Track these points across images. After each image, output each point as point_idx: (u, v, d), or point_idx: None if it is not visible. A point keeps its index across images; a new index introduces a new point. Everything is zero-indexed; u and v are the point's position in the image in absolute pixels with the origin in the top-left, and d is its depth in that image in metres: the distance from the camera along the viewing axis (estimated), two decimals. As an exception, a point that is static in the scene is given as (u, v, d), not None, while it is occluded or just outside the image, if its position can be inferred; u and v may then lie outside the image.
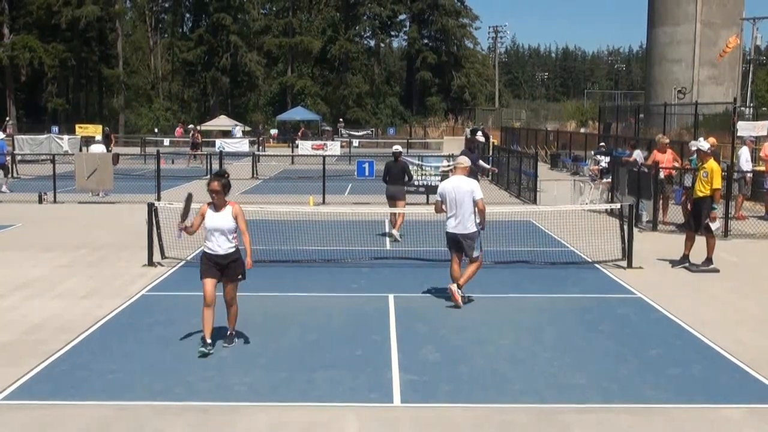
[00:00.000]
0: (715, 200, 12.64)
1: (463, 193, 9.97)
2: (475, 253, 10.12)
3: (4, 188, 23.51)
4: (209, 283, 8.06)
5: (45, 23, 63.94)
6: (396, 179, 15.35)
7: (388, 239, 15.43)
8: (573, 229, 15.51)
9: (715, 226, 12.80)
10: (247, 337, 8.63)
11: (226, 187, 8.17)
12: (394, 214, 15.30)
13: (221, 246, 8.10)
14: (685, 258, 12.79)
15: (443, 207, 10.26)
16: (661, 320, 9.62)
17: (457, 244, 10.17)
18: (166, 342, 8.50)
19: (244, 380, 7.28)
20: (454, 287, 10.05)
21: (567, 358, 8.01)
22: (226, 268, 8.16)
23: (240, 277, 8.27)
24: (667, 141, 18.07)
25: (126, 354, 8.07)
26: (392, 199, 15.36)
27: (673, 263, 12.92)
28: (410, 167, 17.38)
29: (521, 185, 23.11)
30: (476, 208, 10.00)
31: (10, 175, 24.82)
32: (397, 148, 15.93)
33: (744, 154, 19.37)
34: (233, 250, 8.18)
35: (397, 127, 68.53)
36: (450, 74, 77.40)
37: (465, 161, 10.49)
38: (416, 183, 21.98)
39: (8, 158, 25.39)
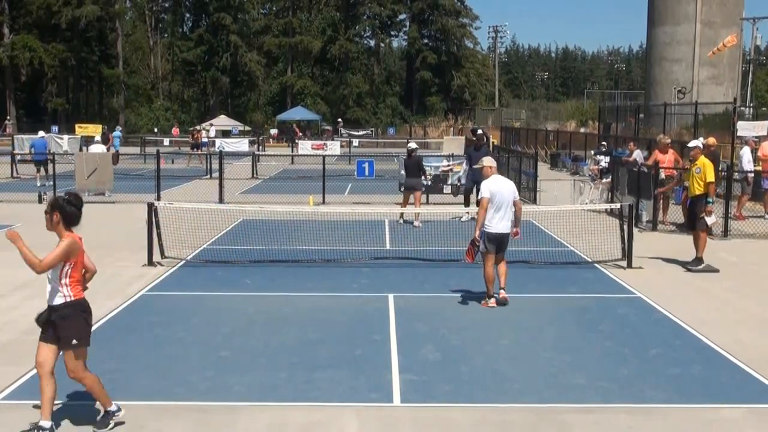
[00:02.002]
0: (709, 194, 12.60)
1: (509, 193, 10.05)
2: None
3: (47, 183, 24.18)
4: (41, 347, 5.99)
5: (45, 23, 64.02)
6: (412, 173, 17.24)
7: (388, 239, 15.44)
8: (573, 229, 15.51)
9: (711, 220, 12.75)
10: (247, 337, 8.63)
11: (56, 212, 5.93)
12: (412, 204, 17.09)
13: (47, 293, 6.01)
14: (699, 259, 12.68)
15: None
16: (661, 320, 9.61)
17: (500, 243, 10.11)
18: (165, 342, 8.50)
19: (244, 380, 7.28)
20: (493, 300, 10.07)
21: (567, 358, 8.01)
22: (53, 327, 5.97)
23: (75, 342, 6.01)
24: (669, 141, 18.06)
25: (125, 354, 8.07)
26: (410, 190, 17.24)
27: (685, 264, 12.79)
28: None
29: (521, 185, 23.10)
30: (515, 209, 10.13)
31: (40, 173, 25.58)
32: (411, 145, 17.90)
33: (746, 154, 19.32)
34: (60, 302, 5.95)
35: (397, 127, 68.56)
36: (450, 74, 77.43)
37: (493, 161, 10.49)
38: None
39: (49, 156, 26.05)
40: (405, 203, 17.31)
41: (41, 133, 30.60)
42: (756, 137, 20.49)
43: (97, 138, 28.13)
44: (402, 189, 18.19)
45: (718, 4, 44.12)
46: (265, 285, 11.26)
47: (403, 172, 17.74)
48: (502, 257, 10.23)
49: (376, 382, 7.26)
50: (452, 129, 64.20)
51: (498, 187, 10.02)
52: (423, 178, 17.95)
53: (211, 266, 12.63)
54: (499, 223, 9.96)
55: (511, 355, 8.12)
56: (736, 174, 18.36)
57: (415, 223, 16.86)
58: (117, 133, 47.78)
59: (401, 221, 17.26)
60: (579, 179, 23.85)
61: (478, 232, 10.01)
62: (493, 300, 10.05)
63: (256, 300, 10.36)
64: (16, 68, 64.73)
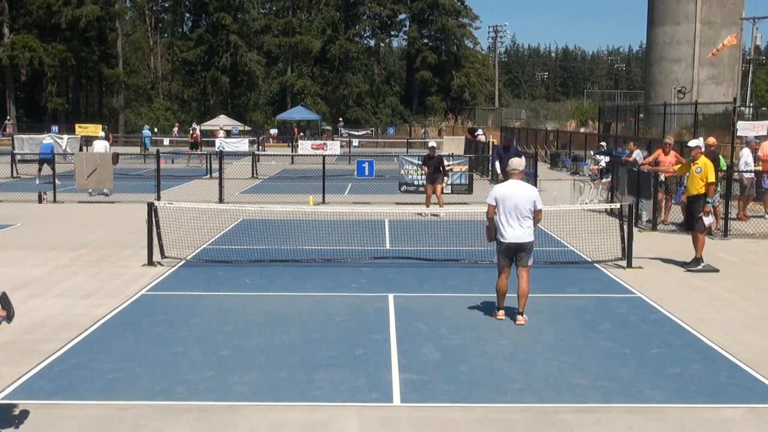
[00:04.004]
0: (709, 195, 12.61)
1: (525, 199, 9.11)
2: (530, 261, 9.38)
3: (37, 181, 25.04)
4: None
5: (45, 23, 64.03)
6: (434, 169, 19.02)
7: (388, 239, 15.45)
8: (573, 228, 15.51)
9: (709, 220, 12.75)
10: (247, 337, 8.63)
11: None
12: (432, 196, 18.80)
13: None
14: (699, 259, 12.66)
15: (495, 213, 9.27)
16: (661, 320, 9.61)
17: (515, 253, 9.25)
18: (165, 341, 8.50)
19: (244, 380, 7.28)
20: (503, 312, 9.43)
21: (567, 358, 8.00)
22: None
23: None
24: (671, 142, 18.06)
25: (126, 353, 8.07)
26: (432, 183, 18.94)
27: (685, 264, 12.78)
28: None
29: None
30: (534, 218, 9.23)
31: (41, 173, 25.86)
32: (432, 143, 20.41)
33: (743, 156, 19.15)
34: None
35: (397, 127, 68.57)
36: (450, 74, 77.46)
37: (521, 165, 9.45)
38: (416, 183, 22.04)
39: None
40: (430, 196, 18.80)
41: (48, 138, 30.96)
42: (757, 137, 20.35)
43: (101, 134, 28.17)
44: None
45: (718, 4, 44.11)
46: (265, 285, 11.26)
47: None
48: (525, 270, 9.26)
49: (376, 381, 7.26)
50: (425, 130, 64.67)
51: (507, 192, 9.18)
52: (443, 173, 19.33)
53: (211, 266, 12.63)
54: (510, 231, 9.13)
55: (511, 355, 8.11)
56: (736, 174, 18.31)
57: (439, 213, 17.83)
58: (146, 132, 47.54)
59: (427, 215, 17.80)
60: (579, 179, 23.84)
61: (489, 240, 9.51)
62: (502, 312, 9.42)
63: (256, 300, 10.36)
64: (16, 68, 64.73)
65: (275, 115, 70.69)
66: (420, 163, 21.70)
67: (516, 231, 9.13)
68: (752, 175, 18.51)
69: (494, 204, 9.22)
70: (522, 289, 9.23)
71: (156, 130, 61.94)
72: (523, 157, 9.98)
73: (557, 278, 11.84)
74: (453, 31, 76.11)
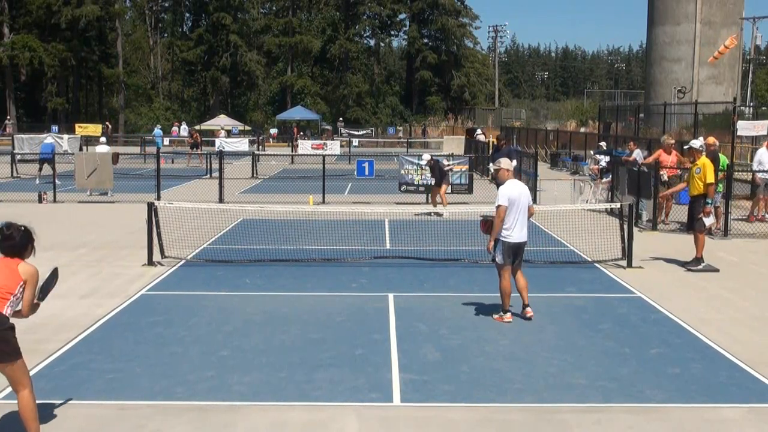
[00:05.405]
0: (709, 195, 12.61)
1: (526, 198, 9.37)
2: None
3: (37, 181, 25.27)
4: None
5: (45, 23, 64.06)
6: (435, 175, 19.81)
7: (388, 239, 15.45)
8: (573, 228, 15.51)
9: (709, 221, 12.75)
10: (247, 337, 8.63)
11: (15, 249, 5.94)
12: (437, 197, 19.44)
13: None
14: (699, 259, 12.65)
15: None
16: (661, 320, 9.61)
17: (518, 253, 9.43)
18: (165, 341, 8.50)
19: (244, 380, 7.28)
20: (510, 315, 9.42)
21: (567, 358, 8.01)
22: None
23: (11, 358, 6.07)
24: (673, 142, 17.97)
25: (126, 353, 8.07)
26: (436, 187, 19.73)
27: (685, 264, 12.79)
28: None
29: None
30: (529, 213, 9.46)
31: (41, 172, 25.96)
32: (426, 156, 20.92)
33: (758, 155, 18.77)
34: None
35: (396, 127, 68.60)
36: (450, 74, 77.48)
37: (509, 163, 9.62)
38: (416, 183, 22.04)
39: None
40: (434, 197, 19.56)
41: (49, 138, 31.11)
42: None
43: (103, 139, 28.21)
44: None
45: (718, 3, 44.08)
46: (265, 284, 11.26)
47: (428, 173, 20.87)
48: (519, 267, 9.48)
49: (376, 381, 7.26)
50: (403, 129, 64.97)
51: (516, 193, 9.22)
52: (443, 177, 19.62)
53: (211, 266, 12.63)
54: (518, 232, 9.22)
55: (511, 355, 8.11)
56: (743, 174, 18.12)
57: (442, 212, 18.32)
58: (158, 131, 47.51)
59: (432, 214, 18.25)
60: (579, 179, 23.84)
61: (491, 243, 9.32)
62: (509, 314, 9.38)
63: (256, 299, 10.36)
64: (16, 68, 64.74)
65: (275, 114, 70.73)
66: (419, 163, 21.87)
67: (523, 230, 9.35)
68: (766, 175, 18.04)
69: (507, 205, 9.20)
70: (522, 283, 9.52)
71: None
72: (506, 158, 10.05)
73: (557, 278, 11.85)
74: (453, 31, 76.10)
